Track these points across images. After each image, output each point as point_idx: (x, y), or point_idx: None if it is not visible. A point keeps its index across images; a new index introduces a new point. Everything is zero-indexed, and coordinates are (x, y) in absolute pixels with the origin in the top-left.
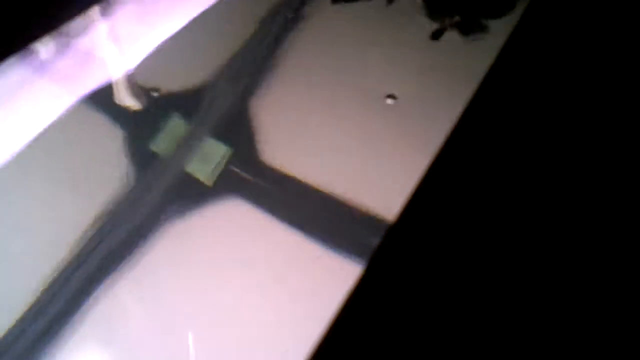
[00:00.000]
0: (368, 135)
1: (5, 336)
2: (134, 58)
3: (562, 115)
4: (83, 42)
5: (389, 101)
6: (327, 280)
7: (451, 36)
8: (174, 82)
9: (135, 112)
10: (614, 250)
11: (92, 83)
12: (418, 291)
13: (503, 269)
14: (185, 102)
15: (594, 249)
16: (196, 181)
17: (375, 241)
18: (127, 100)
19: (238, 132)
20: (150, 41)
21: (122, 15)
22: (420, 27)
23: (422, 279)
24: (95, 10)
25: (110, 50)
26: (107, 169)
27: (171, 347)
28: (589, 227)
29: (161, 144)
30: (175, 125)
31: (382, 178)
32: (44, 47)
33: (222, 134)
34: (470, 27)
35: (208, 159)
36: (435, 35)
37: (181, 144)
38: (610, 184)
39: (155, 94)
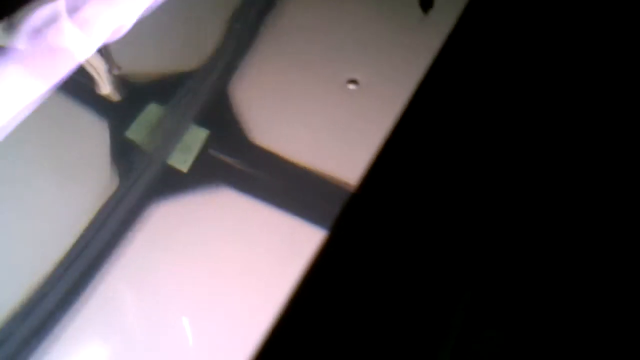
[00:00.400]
0: (333, 115)
1: None
2: (105, 43)
3: (512, 89)
4: (49, 28)
5: (351, 86)
6: (295, 245)
7: (413, 15)
8: (151, 67)
9: (113, 100)
10: (578, 225)
11: (62, 71)
12: (376, 248)
13: (458, 232)
14: (163, 88)
15: (551, 221)
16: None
17: (338, 208)
18: (102, 87)
19: (213, 115)
20: (122, 25)
21: None
22: (386, 10)
23: (379, 239)
24: None
25: (78, 36)
26: (87, 161)
27: (166, 332)
28: (538, 196)
29: (140, 133)
30: (154, 113)
31: (344, 153)
32: (5, 33)
33: (198, 118)
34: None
35: (186, 145)
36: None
37: (163, 134)
38: (568, 161)
39: (116, 72)
